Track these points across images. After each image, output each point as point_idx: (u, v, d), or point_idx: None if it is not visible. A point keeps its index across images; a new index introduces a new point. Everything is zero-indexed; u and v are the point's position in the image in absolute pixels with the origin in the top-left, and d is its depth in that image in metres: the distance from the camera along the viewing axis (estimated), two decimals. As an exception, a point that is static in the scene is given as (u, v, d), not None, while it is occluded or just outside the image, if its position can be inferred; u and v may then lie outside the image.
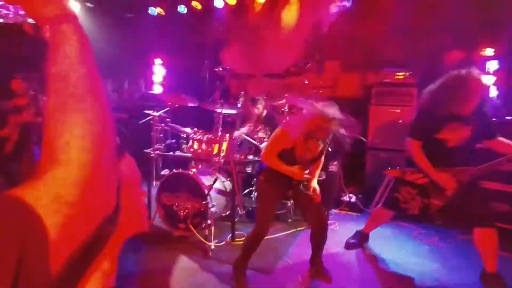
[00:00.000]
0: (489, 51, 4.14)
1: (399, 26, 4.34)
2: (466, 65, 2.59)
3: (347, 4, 4.50)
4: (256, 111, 3.74)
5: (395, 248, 3.02)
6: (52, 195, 0.40)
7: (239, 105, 4.19)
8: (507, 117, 3.45)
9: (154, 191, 3.28)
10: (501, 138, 2.36)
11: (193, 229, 2.91)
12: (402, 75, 4.23)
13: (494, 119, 3.11)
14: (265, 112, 3.92)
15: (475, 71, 2.22)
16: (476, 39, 4.07)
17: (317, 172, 2.42)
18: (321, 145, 2.27)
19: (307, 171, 2.26)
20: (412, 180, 2.51)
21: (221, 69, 4.56)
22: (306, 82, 4.62)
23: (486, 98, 2.22)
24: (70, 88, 0.47)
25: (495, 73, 4.02)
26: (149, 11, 5.33)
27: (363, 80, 4.96)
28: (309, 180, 2.32)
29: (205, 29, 5.38)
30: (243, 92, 4.37)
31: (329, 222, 2.92)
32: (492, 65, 4.09)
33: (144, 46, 5.64)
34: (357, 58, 4.87)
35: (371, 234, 3.00)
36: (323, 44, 4.83)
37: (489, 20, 3.94)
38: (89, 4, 5.17)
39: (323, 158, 2.44)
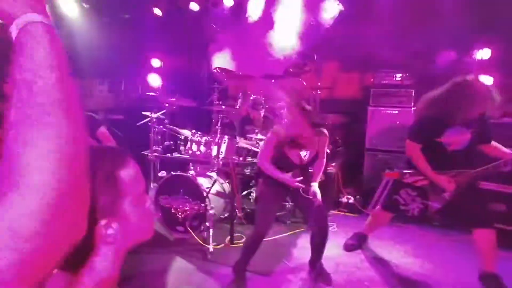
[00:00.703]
0: (485, 53, 4.17)
1: (397, 28, 4.37)
2: (463, 66, 2.62)
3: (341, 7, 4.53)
4: (257, 115, 3.73)
5: (394, 249, 3.02)
6: (5, 228, 0.35)
7: (238, 106, 4.18)
8: (504, 119, 3.48)
9: (151, 194, 3.25)
10: (494, 143, 2.40)
11: (192, 232, 2.90)
12: (399, 77, 4.25)
13: (491, 121, 3.15)
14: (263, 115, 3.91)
15: (480, 77, 2.24)
16: (472, 41, 4.09)
17: (319, 176, 2.42)
18: (306, 152, 2.27)
19: (299, 178, 2.25)
20: (411, 182, 2.51)
21: (219, 70, 4.55)
22: (305, 83, 4.62)
23: (491, 104, 2.22)
24: (36, 98, 0.40)
25: (491, 74, 4.06)
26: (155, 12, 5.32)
27: (361, 82, 4.98)
28: (307, 185, 2.32)
29: (203, 30, 5.36)
30: (241, 94, 4.36)
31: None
32: (488, 67, 4.12)
33: (141, 46, 5.61)
34: (355, 59, 4.89)
35: (370, 235, 3.00)
36: (322, 45, 4.84)
37: (485, 22, 3.97)
38: (84, 5, 5.13)
39: (324, 161, 2.44)
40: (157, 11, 5.37)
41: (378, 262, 2.80)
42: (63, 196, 0.39)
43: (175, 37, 5.52)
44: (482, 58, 4.17)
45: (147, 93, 4.11)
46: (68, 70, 0.44)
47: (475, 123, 2.30)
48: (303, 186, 2.26)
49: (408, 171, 2.53)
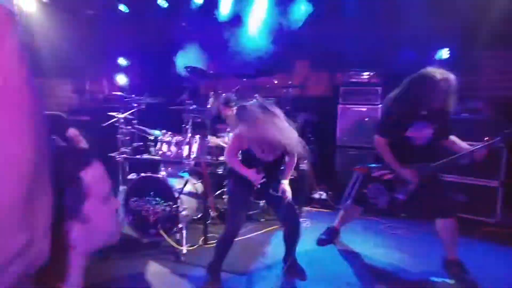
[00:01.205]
0: (444, 52, 4.42)
1: (364, 28, 4.51)
2: (425, 64, 2.74)
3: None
4: (230, 112, 3.68)
5: (365, 241, 3.12)
6: None
7: (209, 105, 4.13)
8: (462, 114, 3.70)
9: (121, 197, 3.13)
10: (453, 137, 2.52)
11: (164, 234, 2.82)
12: (367, 75, 4.40)
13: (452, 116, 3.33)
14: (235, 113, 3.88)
15: (440, 71, 2.29)
16: (433, 40, 4.32)
17: (289, 174, 2.43)
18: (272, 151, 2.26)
19: (261, 175, 2.22)
20: (379, 176, 2.61)
21: (189, 69, 4.47)
22: (276, 82, 4.66)
23: (451, 96, 2.31)
24: None
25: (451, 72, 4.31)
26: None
27: (331, 80, 5.09)
28: (276, 183, 2.32)
29: (172, 28, 5.24)
30: (212, 92, 4.31)
31: (301, 220, 2.95)
32: (448, 65, 4.37)
33: (106, 44, 5.39)
34: (325, 58, 4.99)
35: (342, 229, 3.07)
36: (292, 45, 4.90)
37: (445, 23, 4.21)
38: (44, -1, 4.85)
39: (295, 159, 2.44)
40: (123, 8, 5.18)
41: (351, 255, 2.87)
42: None
43: (143, 34, 5.36)
44: (442, 57, 4.42)
45: (114, 92, 3.95)
46: (22, 57, 0.38)
47: (437, 119, 2.41)
48: (263, 181, 2.24)
49: (376, 166, 2.63)
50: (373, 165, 2.66)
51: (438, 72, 2.28)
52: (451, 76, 2.28)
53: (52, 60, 5.12)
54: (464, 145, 2.45)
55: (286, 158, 2.43)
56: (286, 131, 2.12)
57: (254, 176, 2.23)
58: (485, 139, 2.32)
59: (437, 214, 2.44)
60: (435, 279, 2.44)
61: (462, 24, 4.08)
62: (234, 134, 2.34)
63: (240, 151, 2.35)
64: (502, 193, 3.34)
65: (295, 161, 2.46)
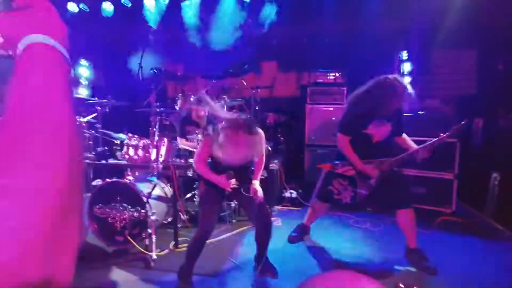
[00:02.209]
0: (404, 54, 4.68)
1: (330, 30, 4.66)
2: (386, 66, 2.91)
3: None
4: (203, 112, 3.65)
5: (333, 236, 3.22)
6: None
7: (177, 107, 4.06)
8: (419, 112, 3.94)
9: (84, 204, 2.99)
10: (404, 136, 2.71)
11: (132, 241, 2.73)
12: (333, 76, 4.55)
13: (409, 114, 3.54)
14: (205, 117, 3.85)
15: (399, 77, 2.51)
16: (395, 43, 4.56)
17: (259, 174, 2.45)
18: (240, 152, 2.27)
19: (233, 180, 2.24)
20: (342, 172, 2.72)
21: (155, 70, 4.36)
22: (245, 82, 4.68)
23: (407, 99, 2.52)
24: (20, 122, 0.35)
25: (409, 73, 4.57)
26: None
27: (298, 81, 5.21)
28: (247, 184, 2.34)
29: (137, 28, 5.10)
30: (180, 94, 4.24)
31: (272, 218, 2.98)
32: (406, 67, 4.64)
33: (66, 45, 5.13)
34: (293, 59, 5.10)
35: (311, 226, 3.15)
36: (260, 46, 4.95)
37: (404, 27, 4.46)
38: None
39: (263, 158, 2.48)
40: (73, 7, 4.94)
41: (321, 250, 2.96)
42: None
43: (106, 35, 5.16)
44: (402, 59, 4.67)
45: (75, 95, 3.77)
46: (67, 95, 0.40)
47: (394, 117, 2.58)
48: (235, 187, 2.26)
49: (339, 162, 2.74)
50: (337, 161, 2.76)
51: (397, 79, 2.48)
52: (407, 83, 2.51)
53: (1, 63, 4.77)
54: (412, 144, 2.64)
55: (255, 159, 2.44)
56: (251, 144, 2.14)
57: (224, 183, 2.22)
58: (441, 134, 2.50)
59: (396, 205, 2.58)
60: (399, 267, 2.58)
61: (418, 28, 4.34)
62: (203, 141, 2.32)
63: (211, 161, 2.33)
64: (456, 185, 3.59)
65: (263, 160, 2.49)
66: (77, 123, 0.42)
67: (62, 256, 0.34)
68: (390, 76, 2.54)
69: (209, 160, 2.36)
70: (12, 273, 0.29)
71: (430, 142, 2.50)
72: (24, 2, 0.43)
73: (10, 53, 0.41)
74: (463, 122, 2.49)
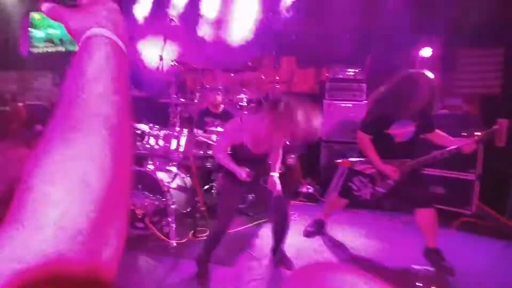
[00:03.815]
0: (426, 51, 4.57)
1: (350, 25, 4.60)
2: (409, 62, 2.84)
3: None
4: (217, 98, 3.74)
5: (350, 232, 3.22)
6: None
7: (196, 100, 4.12)
8: (441, 110, 3.86)
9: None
10: (438, 131, 2.62)
11: (153, 227, 2.81)
12: (352, 72, 4.49)
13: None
14: (222, 107, 3.90)
15: (425, 72, 2.38)
16: (416, 39, 4.46)
17: (277, 166, 2.47)
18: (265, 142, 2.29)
19: (251, 176, 2.23)
20: (361, 169, 2.70)
21: (176, 63, 4.43)
22: (263, 77, 4.68)
23: (434, 96, 2.40)
24: (73, 111, 0.35)
25: (431, 70, 4.46)
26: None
27: (317, 76, 5.17)
28: (266, 176, 2.37)
29: (159, 21, 5.17)
30: (199, 87, 4.30)
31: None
32: (429, 63, 4.53)
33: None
34: (312, 54, 5.06)
35: (327, 221, 3.16)
36: (279, 41, 4.93)
37: (427, 23, 4.35)
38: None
39: (280, 152, 2.49)
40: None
41: (336, 245, 2.97)
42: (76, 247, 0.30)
43: (128, 26, 5.25)
44: (424, 56, 4.56)
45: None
46: (124, 89, 0.40)
47: (419, 116, 2.50)
48: (250, 179, 2.26)
49: (358, 160, 2.72)
50: (356, 159, 2.75)
51: (423, 74, 2.37)
52: (434, 78, 2.37)
53: (30, 52, 4.95)
54: (449, 138, 2.54)
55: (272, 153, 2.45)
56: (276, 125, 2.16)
57: (243, 174, 2.22)
58: (475, 134, 2.43)
59: (415, 204, 2.55)
60: (416, 266, 2.56)
61: (442, 24, 4.23)
62: (226, 128, 2.35)
63: (233, 150, 2.36)
64: (478, 186, 3.51)
65: (280, 153, 2.49)
66: (130, 115, 0.43)
67: (106, 248, 0.34)
68: (415, 71, 2.45)
69: (230, 152, 2.39)
70: (56, 262, 0.29)
71: (455, 147, 2.42)
72: None
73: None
74: (491, 130, 2.35)
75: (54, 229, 0.30)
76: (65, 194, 0.31)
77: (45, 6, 0.44)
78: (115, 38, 0.42)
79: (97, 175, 0.33)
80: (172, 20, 4.72)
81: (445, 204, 3.55)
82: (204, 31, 5.38)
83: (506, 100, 4.07)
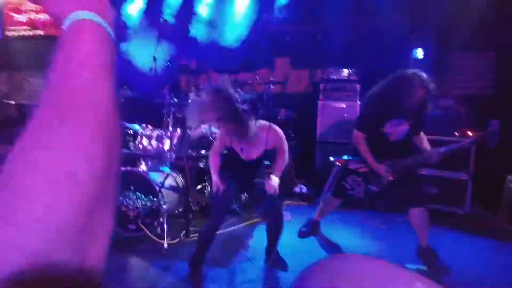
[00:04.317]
0: (419, 52, 4.61)
1: (343, 26, 4.63)
2: (401, 63, 2.85)
3: None
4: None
5: (344, 232, 3.21)
6: None
7: (190, 100, 4.09)
8: (434, 111, 3.88)
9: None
10: (422, 135, 2.62)
11: (145, 229, 2.78)
12: (346, 73, 4.50)
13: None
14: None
15: (419, 72, 2.39)
16: (409, 40, 4.49)
17: (279, 170, 2.37)
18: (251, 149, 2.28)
19: (223, 187, 2.29)
20: (355, 168, 2.70)
21: (169, 63, 4.41)
22: (258, 78, 4.68)
23: (428, 96, 2.40)
24: (59, 99, 0.33)
25: (424, 71, 4.50)
26: None
27: (311, 77, 5.18)
28: (268, 180, 2.33)
29: (152, 21, 5.15)
30: (194, 87, 4.28)
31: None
32: (422, 64, 4.57)
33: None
34: (306, 55, 5.08)
35: (322, 221, 3.14)
36: (274, 42, 4.94)
37: (419, 24, 4.39)
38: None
39: (285, 155, 2.40)
40: None
41: (330, 246, 2.95)
42: (65, 239, 0.29)
43: (114, 13, 5.22)
44: (417, 57, 4.60)
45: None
46: (112, 76, 0.37)
47: (413, 116, 2.51)
48: (220, 193, 2.30)
49: (353, 158, 2.72)
50: (350, 157, 2.75)
51: (417, 74, 2.38)
52: (429, 79, 2.39)
53: (23, 52, 4.89)
54: (427, 146, 2.55)
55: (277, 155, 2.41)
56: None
57: (216, 184, 2.30)
58: (468, 133, 2.43)
59: (409, 204, 2.55)
60: (410, 266, 2.55)
61: (435, 25, 4.27)
62: (218, 135, 2.38)
63: (224, 151, 2.36)
64: (470, 186, 3.54)
65: (285, 157, 2.39)
66: (117, 106, 0.40)
67: (94, 244, 0.32)
68: (409, 71, 2.46)
69: (225, 152, 2.38)
70: (42, 261, 0.27)
71: (449, 147, 2.43)
72: None
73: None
74: (486, 131, 2.36)
75: (38, 226, 0.28)
76: (50, 188, 0.29)
77: None
78: (101, 21, 0.39)
79: (84, 167, 0.31)
80: (166, 20, 4.70)
81: (439, 204, 3.56)
82: (198, 31, 5.36)
83: (498, 101, 4.11)
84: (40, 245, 0.27)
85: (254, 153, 2.31)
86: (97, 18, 0.39)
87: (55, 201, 0.29)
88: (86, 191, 0.31)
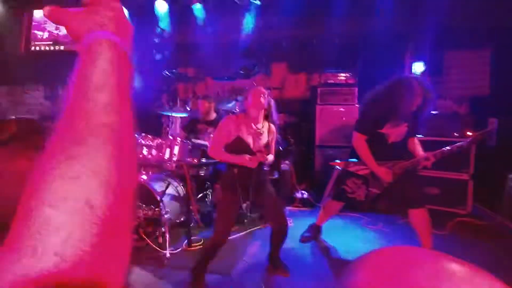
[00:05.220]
0: (415, 55, 4.64)
1: (340, 30, 4.66)
2: (397, 66, 2.88)
3: None
4: (207, 105, 3.74)
5: (345, 236, 3.20)
6: None
7: (188, 108, 4.11)
8: (432, 112, 3.90)
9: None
10: (415, 139, 2.64)
11: (146, 238, 2.77)
12: (344, 76, 4.53)
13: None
14: (215, 115, 3.89)
15: (419, 77, 2.45)
16: (405, 43, 4.53)
17: (273, 151, 2.45)
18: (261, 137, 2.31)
19: (256, 158, 2.21)
20: (355, 171, 2.70)
21: (168, 72, 4.44)
22: (255, 84, 4.70)
23: (427, 99, 2.44)
24: (77, 123, 0.33)
25: (421, 73, 4.53)
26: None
27: (308, 82, 5.21)
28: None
29: (147, 33, 5.19)
30: (191, 95, 4.30)
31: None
32: (418, 67, 4.60)
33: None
34: (303, 60, 5.11)
35: (323, 226, 3.14)
36: (270, 47, 4.97)
37: (415, 27, 4.43)
38: None
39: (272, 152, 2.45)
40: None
41: (332, 250, 2.94)
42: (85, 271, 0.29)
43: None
44: (413, 59, 4.63)
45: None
46: (129, 96, 0.38)
47: (411, 118, 2.54)
48: (255, 165, 2.22)
49: (352, 161, 2.72)
50: (350, 160, 2.75)
51: (416, 77, 2.45)
52: (427, 82, 2.45)
53: (20, 64, 4.90)
54: (420, 151, 2.57)
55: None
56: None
57: (247, 159, 2.18)
58: (467, 133, 2.44)
59: (408, 205, 2.55)
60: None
61: (430, 25, 4.30)
62: (221, 124, 2.32)
63: (227, 147, 2.32)
64: (471, 186, 3.53)
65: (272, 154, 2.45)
66: (134, 125, 0.40)
67: (114, 264, 0.32)
68: (409, 75, 2.51)
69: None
70: (63, 279, 0.28)
71: (447, 148, 2.43)
72: None
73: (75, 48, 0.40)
74: (485, 130, 2.39)
75: (55, 258, 0.28)
76: (68, 218, 0.29)
77: (46, 9, 0.43)
78: (119, 41, 0.40)
79: (102, 193, 0.31)
80: (163, 29, 4.75)
81: (440, 205, 3.56)
82: (195, 39, 5.40)
83: (495, 100, 4.13)
84: (55, 276, 0.28)
85: (259, 145, 2.31)
86: (111, 36, 0.39)
87: (72, 232, 0.29)
88: (103, 219, 0.31)
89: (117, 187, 0.32)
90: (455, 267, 0.33)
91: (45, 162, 0.32)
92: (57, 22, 0.43)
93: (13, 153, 0.59)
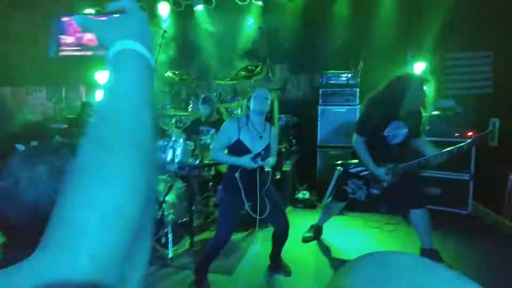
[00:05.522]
0: (416, 55, 4.63)
1: (342, 31, 4.68)
2: (399, 66, 2.89)
3: None
4: (206, 110, 3.76)
5: (347, 236, 3.22)
6: None
7: (190, 109, 4.14)
8: (434, 112, 3.90)
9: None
10: (423, 138, 2.64)
11: (149, 239, 2.79)
12: (345, 77, 4.53)
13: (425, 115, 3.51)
14: (217, 117, 3.91)
15: (416, 74, 2.45)
16: (407, 44, 4.53)
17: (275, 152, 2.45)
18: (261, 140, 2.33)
19: (257, 158, 2.21)
20: (356, 172, 2.72)
21: (169, 73, 4.47)
22: (257, 85, 4.71)
23: (427, 98, 2.46)
24: (104, 131, 0.36)
25: (423, 74, 4.53)
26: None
27: (310, 82, 5.22)
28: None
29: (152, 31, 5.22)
30: (193, 97, 4.33)
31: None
32: (420, 67, 4.60)
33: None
34: (304, 61, 5.12)
35: (324, 226, 3.16)
36: (272, 49, 4.99)
37: (418, 27, 4.44)
38: None
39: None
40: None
41: (333, 250, 2.96)
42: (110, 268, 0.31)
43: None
44: (415, 59, 4.63)
45: (92, 98, 3.89)
46: (152, 105, 0.40)
47: (412, 119, 2.54)
48: (260, 162, 2.23)
49: (353, 162, 2.74)
50: (351, 161, 2.77)
51: (416, 77, 2.44)
52: (428, 80, 2.43)
53: (23, 66, 4.96)
54: (428, 149, 2.56)
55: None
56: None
57: (249, 162, 2.20)
58: (469, 133, 2.44)
59: (409, 205, 2.56)
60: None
61: (431, 28, 4.31)
62: (222, 128, 2.35)
63: (229, 150, 2.35)
64: (472, 186, 3.54)
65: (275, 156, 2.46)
66: (155, 133, 0.41)
67: (134, 269, 0.34)
68: (406, 73, 2.51)
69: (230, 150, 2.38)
70: (96, 279, 0.29)
71: (448, 149, 2.43)
72: (118, 8, 0.45)
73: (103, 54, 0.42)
74: (486, 132, 2.38)
75: (88, 259, 0.30)
76: (99, 223, 0.31)
77: (76, 18, 0.45)
78: (143, 51, 0.42)
79: (129, 199, 0.33)
80: (165, 31, 4.78)
81: (441, 205, 3.57)
82: (197, 40, 5.43)
83: (497, 100, 4.13)
84: (87, 276, 0.29)
85: (260, 147, 2.33)
86: (139, 47, 0.42)
87: (103, 236, 0.31)
88: (131, 223, 0.33)
89: (142, 194, 0.34)
90: (437, 273, 0.33)
91: (77, 171, 0.34)
92: (87, 30, 0.46)
93: (31, 158, 0.62)
